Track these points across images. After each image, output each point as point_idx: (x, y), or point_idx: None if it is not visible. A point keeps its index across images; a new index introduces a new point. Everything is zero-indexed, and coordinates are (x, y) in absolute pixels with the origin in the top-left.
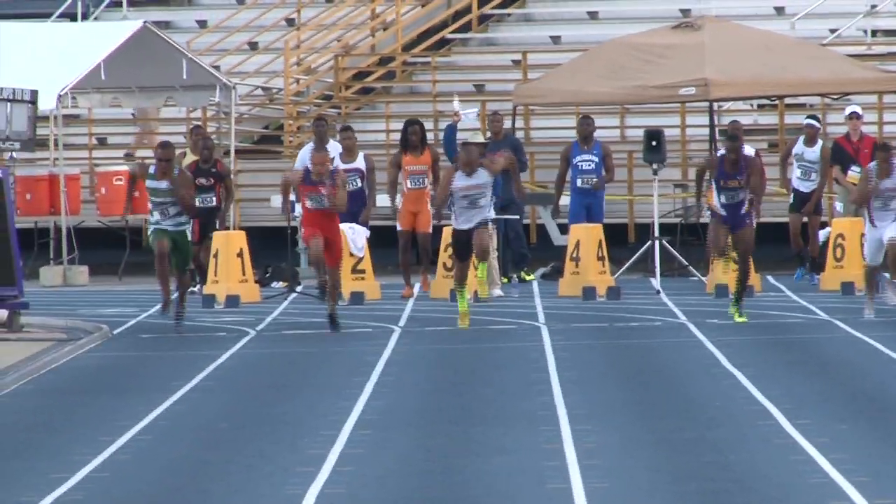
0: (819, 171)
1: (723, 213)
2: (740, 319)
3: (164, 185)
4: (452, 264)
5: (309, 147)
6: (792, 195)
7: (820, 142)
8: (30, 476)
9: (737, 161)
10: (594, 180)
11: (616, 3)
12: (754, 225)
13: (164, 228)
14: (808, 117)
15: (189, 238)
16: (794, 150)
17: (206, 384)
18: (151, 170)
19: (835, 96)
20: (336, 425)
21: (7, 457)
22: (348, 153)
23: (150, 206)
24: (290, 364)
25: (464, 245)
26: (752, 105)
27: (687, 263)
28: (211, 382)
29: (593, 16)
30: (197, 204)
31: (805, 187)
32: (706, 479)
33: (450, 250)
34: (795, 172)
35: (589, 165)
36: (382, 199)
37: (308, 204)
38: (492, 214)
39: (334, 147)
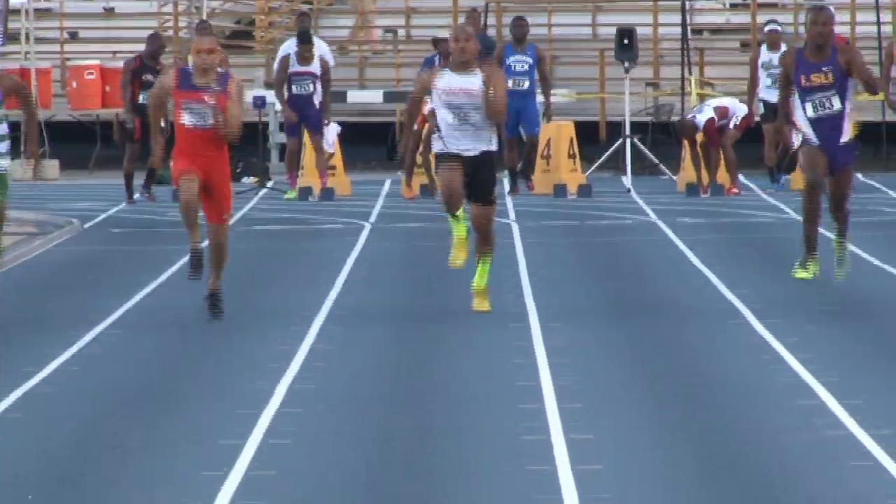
0: None
1: (813, 136)
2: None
3: None
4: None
5: (291, 42)
6: (761, 105)
7: (784, 46)
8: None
9: (825, 46)
10: (525, 83)
11: None
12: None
13: None
14: (769, 22)
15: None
16: (761, 60)
17: (175, 279)
18: None
19: None
20: (306, 321)
21: None
22: (303, 59)
23: None
24: (260, 260)
25: (455, 168)
26: (724, 4)
27: (658, 162)
28: (181, 277)
29: None
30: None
31: (774, 96)
32: (676, 380)
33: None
34: (765, 81)
35: (522, 67)
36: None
37: (184, 119)
38: (494, 146)
39: (320, 46)
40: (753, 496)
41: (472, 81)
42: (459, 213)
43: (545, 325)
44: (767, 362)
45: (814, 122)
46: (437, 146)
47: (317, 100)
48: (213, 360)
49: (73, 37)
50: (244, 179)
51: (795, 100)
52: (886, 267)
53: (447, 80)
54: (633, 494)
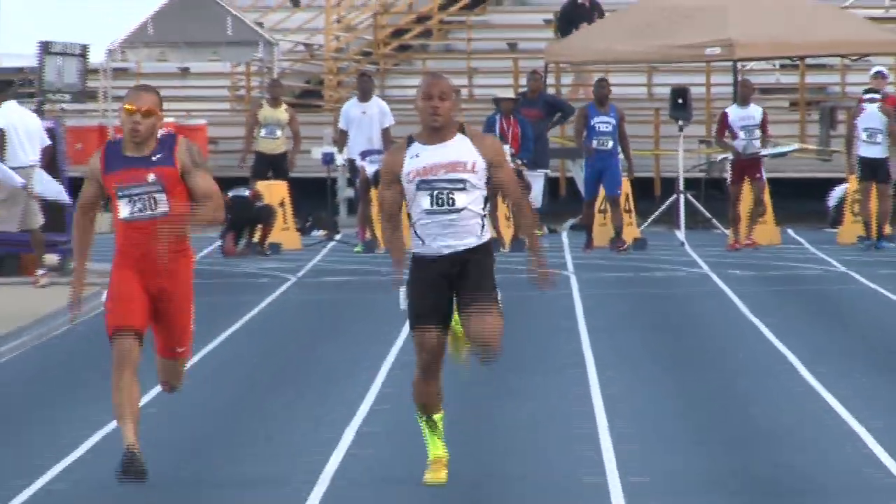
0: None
1: None
2: None
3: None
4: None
5: (352, 102)
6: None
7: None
8: (88, 413)
9: None
10: (609, 143)
11: None
12: None
13: None
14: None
15: None
16: (859, 118)
17: (249, 327)
18: None
19: (854, 57)
20: (372, 368)
21: (65, 395)
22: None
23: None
24: (328, 310)
25: (436, 295)
26: (774, 65)
27: (710, 216)
28: (254, 326)
29: None
30: None
31: (873, 152)
32: (728, 428)
33: None
34: (861, 136)
35: (606, 127)
36: None
37: (122, 211)
38: (486, 237)
39: (377, 106)
40: None
41: (453, 151)
42: (438, 416)
43: (601, 374)
44: (818, 412)
45: None
46: (412, 243)
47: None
48: (283, 408)
49: None
50: (313, 233)
51: None
52: None
53: (418, 158)
54: None
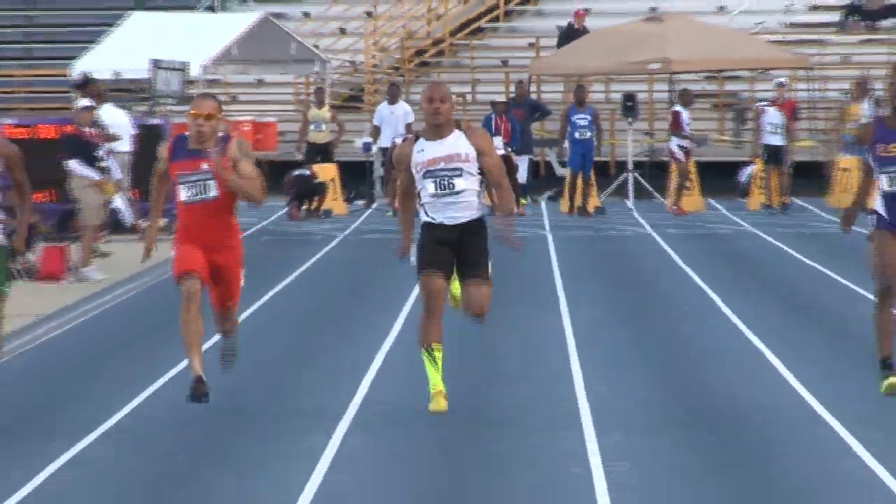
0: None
1: (885, 213)
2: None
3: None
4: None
5: (384, 104)
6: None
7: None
8: (149, 364)
9: None
10: (588, 133)
11: (604, 3)
12: None
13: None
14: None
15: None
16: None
17: (308, 272)
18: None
19: (759, 71)
20: (397, 307)
21: (134, 348)
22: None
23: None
24: (366, 261)
25: (441, 252)
26: (700, 77)
27: (652, 190)
28: (310, 273)
29: (588, 11)
30: None
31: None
32: (664, 322)
33: None
34: (766, 129)
35: (583, 122)
36: None
37: (182, 194)
38: (481, 212)
39: (403, 107)
40: None
41: (451, 145)
42: (438, 354)
43: (570, 302)
44: (737, 345)
45: (889, 198)
46: (422, 215)
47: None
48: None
49: (234, 99)
50: (356, 202)
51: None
52: None
53: (424, 152)
54: None
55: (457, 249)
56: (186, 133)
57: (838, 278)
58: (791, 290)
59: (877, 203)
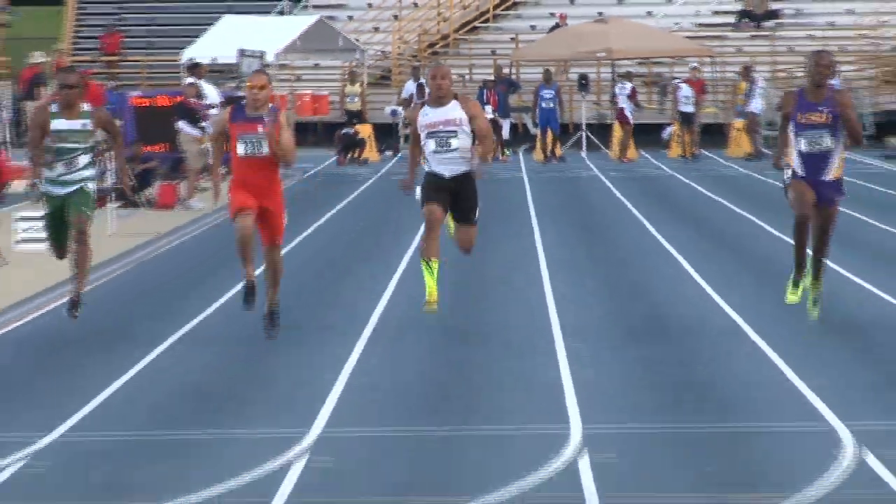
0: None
1: (800, 170)
2: (814, 315)
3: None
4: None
5: (410, 82)
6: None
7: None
8: (168, 313)
9: (822, 86)
10: (552, 104)
11: (568, 8)
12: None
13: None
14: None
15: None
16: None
17: (351, 203)
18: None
19: (678, 57)
20: (413, 232)
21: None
22: (419, 92)
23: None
24: (392, 196)
25: (440, 192)
26: (634, 62)
27: (601, 144)
28: (353, 203)
29: (553, 15)
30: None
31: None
32: (612, 242)
33: None
34: (682, 100)
35: (549, 95)
36: None
37: (239, 149)
38: (475, 163)
39: (421, 83)
40: None
41: (449, 112)
42: (434, 265)
43: (541, 224)
44: (668, 266)
45: (805, 157)
46: (425, 167)
47: None
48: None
49: (298, 78)
50: (386, 153)
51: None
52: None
53: (428, 116)
54: None
55: (452, 195)
56: (243, 101)
57: (740, 210)
58: (703, 219)
59: (794, 160)
